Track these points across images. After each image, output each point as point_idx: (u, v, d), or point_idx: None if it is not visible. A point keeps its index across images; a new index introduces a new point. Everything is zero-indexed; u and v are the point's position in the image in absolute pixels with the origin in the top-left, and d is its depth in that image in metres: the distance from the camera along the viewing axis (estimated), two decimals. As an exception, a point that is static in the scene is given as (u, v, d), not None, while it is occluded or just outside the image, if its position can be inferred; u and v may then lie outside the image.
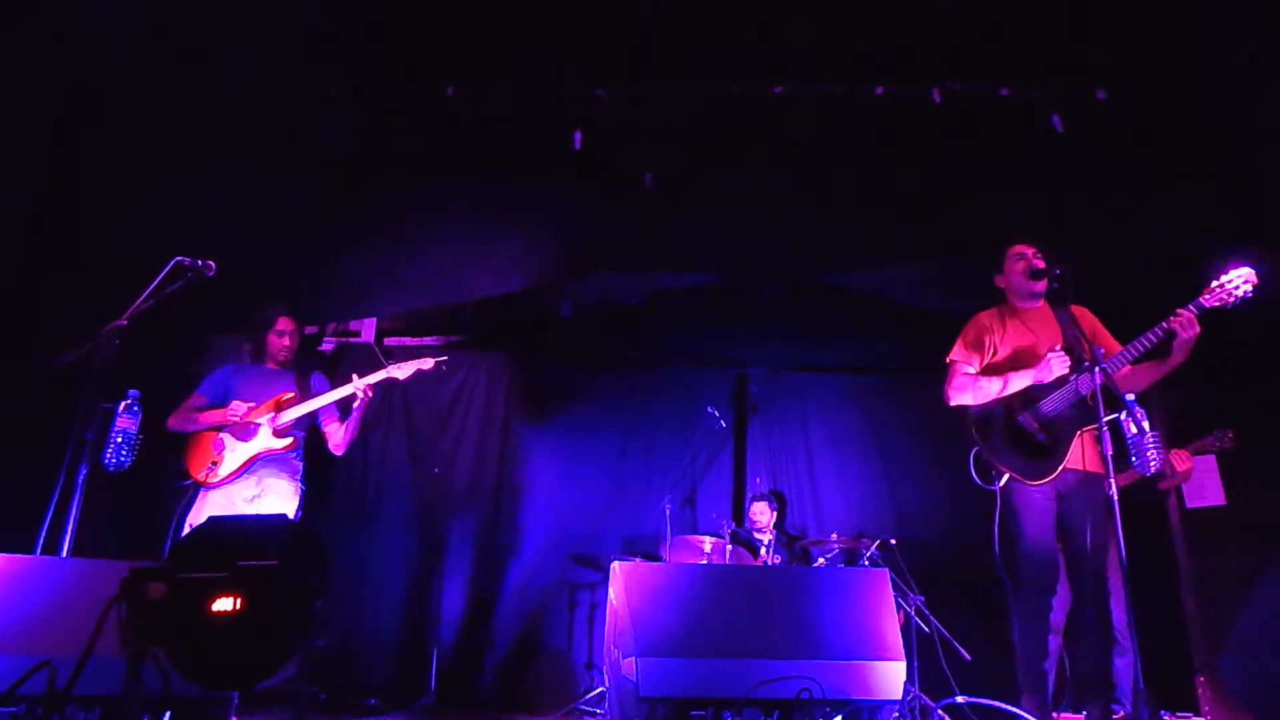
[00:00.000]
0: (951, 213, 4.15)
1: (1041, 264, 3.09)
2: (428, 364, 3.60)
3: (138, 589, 1.75)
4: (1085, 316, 3.08)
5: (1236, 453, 3.91)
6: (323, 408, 3.55)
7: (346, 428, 3.55)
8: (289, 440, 3.45)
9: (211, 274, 3.01)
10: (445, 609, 4.85)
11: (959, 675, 3.77)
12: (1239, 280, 2.72)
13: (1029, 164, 3.96)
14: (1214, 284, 2.76)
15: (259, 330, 3.65)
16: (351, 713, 4.19)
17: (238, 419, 3.39)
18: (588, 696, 4.27)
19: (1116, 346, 2.97)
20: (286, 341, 3.62)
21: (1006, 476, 2.95)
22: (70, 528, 2.70)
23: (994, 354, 3.14)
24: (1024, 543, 2.93)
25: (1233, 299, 2.72)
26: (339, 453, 3.64)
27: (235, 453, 3.40)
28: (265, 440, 3.43)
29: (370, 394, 3.46)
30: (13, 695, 1.88)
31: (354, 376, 3.52)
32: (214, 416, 3.44)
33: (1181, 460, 3.83)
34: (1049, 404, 2.98)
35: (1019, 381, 3.00)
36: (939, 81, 3.82)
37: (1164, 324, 2.79)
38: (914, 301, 4.91)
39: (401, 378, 3.54)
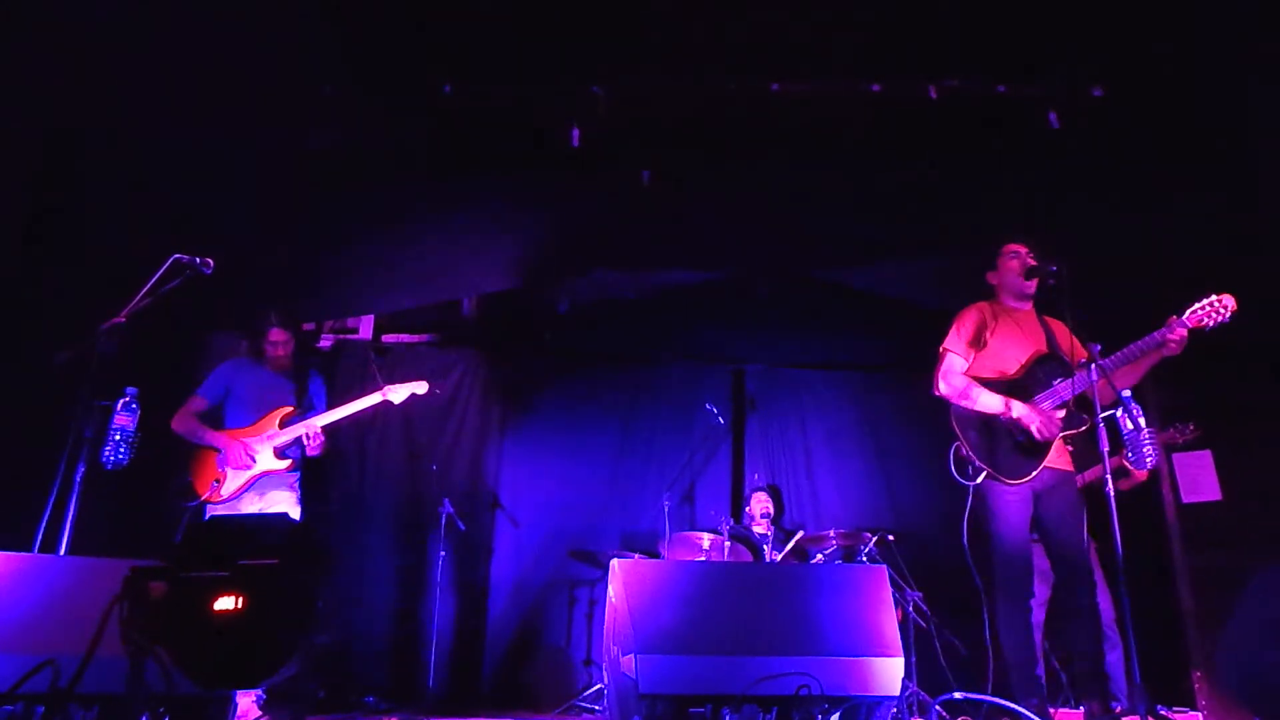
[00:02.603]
0: (948, 210, 4.16)
1: (1035, 262, 3.10)
2: (422, 388, 3.70)
3: (139, 588, 1.75)
4: (1060, 328, 3.12)
5: (1232, 447, 3.92)
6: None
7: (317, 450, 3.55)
8: (289, 461, 3.50)
9: (210, 271, 3.00)
10: (444, 606, 4.85)
11: (957, 670, 3.79)
12: (1218, 307, 2.82)
13: (1026, 162, 3.97)
14: (1195, 306, 2.85)
15: (254, 336, 3.68)
16: (350, 710, 4.20)
17: (235, 460, 3.43)
18: (587, 693, 4.28)
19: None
20: (280, 352, 3.64)
21: (984, 474, 2.97)
22: (68, 526, 2.69)
23: (984, 346, 3.15)
24: (999, 544, 2.94)
25: (1212, 322, 2.82)
26: (313, 455, 3.64)
27: (239, 472, 3.45)
28: (267, 461, 3.48)
29: (321, 437, 3.45)
30: (13, 694, 1.88)
31: (385, 387, 3.60)
32: (218, 439, 3.48)
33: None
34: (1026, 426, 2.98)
35: (1014, 411, 2.97)
36: (936, 79, 3.82)
37: (1155, 336, 2.86)
38: (911, 297, 4.92)
39: (396, 401, 3.63)
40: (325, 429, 3.47)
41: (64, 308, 3.46)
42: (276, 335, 3.62)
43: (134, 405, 2.98)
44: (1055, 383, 2.98)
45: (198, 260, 2.99)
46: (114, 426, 2.92)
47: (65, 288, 3.62)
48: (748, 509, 4.99)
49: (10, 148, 3.44)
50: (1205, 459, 4.25)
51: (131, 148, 3.64)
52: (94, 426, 2.82)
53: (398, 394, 3.62)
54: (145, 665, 1.71)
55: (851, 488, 5.39)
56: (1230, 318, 2.82)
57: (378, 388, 3.60)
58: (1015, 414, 2.96)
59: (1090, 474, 3.74)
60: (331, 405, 3.58)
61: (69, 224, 3.73)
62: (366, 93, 3.89)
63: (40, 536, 2.67)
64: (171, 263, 2.96)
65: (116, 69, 3.42)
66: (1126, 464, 3.17)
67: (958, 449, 3.04)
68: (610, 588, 2.75)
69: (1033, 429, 2.91)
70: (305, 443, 3.45)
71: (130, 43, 3.34)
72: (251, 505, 3.44)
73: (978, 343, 3.15)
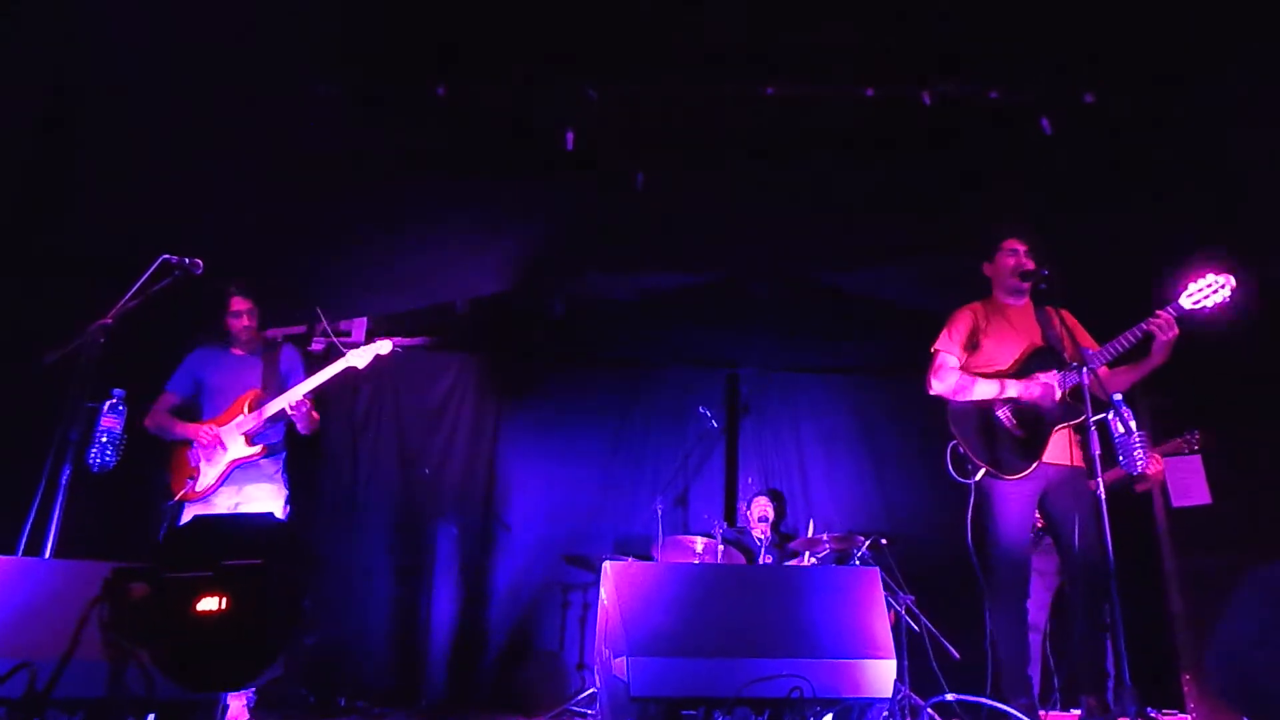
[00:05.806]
0: (942, 214, 4.18)
1: (1031, 264, 3.11)
2: (385, 347, 3.48)
3: (120, 589, 1.72)
4: (1066, 317, 3.11)
5: (1221, 451, 3.94)
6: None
7: (304, 422, 3.39)
8: (260, 446, 3.37)
9: (199, 272, 2.97)
10: (436, 610, 4.82)
11: (948, 673, 3.79)
12: (1217, 286, 2.74)
13: (1019, 166, 3.99)
14: (1191, 288, 2.78)
15: (217, 313, 3.51)
16: (340, 714, 4.17)
17: (206, 443, 3.32)
18: (579, 697, 4.26)
19: (1096, 347, 3.00)
20: (245, 321, 3.48)
21: (982, 471, 2.97)
22: (53, 528, 2.66)
23: (977, 347, 3.16)
24: (997, 542, 2.95)
25: (1209, 304, 2.74)
26: (305, 434, 3.49)
27: (212, 464, 3.34)
28: (237, 449, 3.35)
29: (305, 407, 3.29)
30: (-7, 697, 1.85)
31: (348, 352, 3.40)
32: (187, 430, 3.38)
33: (1154, 462, 3.86)
34: (1027, 400, 3.00)
35: (1010, 390, 3.00)
36: (929, 84, 3.84)
37: (1142, 325, 2.83)
38: (905, 301, 4.93)
39: (360, 365, 3.42)
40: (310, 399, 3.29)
41: (51, 308, 3.42)
42: (237, 304, 3.45)
43: (121, 407, 2.94)
44: (1052, 374, 2.99)
45: (187, 261, 2.96)
46: (100, 428, 2.88)
47: (53, 287, 3.58)
48: (746, 512, 4.98)
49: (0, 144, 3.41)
50: (1195, 463, 4.27)
51: (121, 146, 3.62)
52: (80, 428, 2.79)
53: (361, 357, 3.40)
54: (127, 668, 1.68)
55: (845, 491, 5.39)
56: (1231, 296, 2.71)
57: (340, 355, 3.42)
58: (1013, 392, 2.97)
59: (1106, 476, 3.75)
60: (310, 374, 3.41)
61: (57, 222, 3.70)
62: (360, 93, 3.88)
63: (25, 539, 2.64)
64: (160, 263, 2.93)
65: (105, 65, 3.40)
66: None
67: (955, 447, 3.05)
68: (602, 590, 2.74)
69: (1035, 395, 2.90)
70: (290, 416, 3.27)
71: (120, 38, 3.32)
72: (229, 499, 3.32)
73: (970, 344, 3.16)
